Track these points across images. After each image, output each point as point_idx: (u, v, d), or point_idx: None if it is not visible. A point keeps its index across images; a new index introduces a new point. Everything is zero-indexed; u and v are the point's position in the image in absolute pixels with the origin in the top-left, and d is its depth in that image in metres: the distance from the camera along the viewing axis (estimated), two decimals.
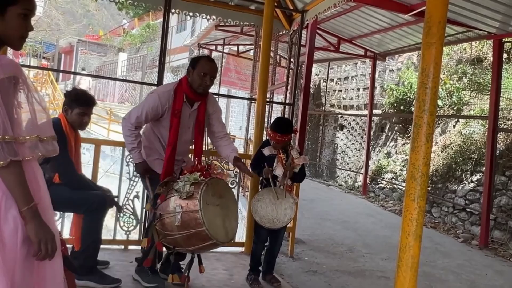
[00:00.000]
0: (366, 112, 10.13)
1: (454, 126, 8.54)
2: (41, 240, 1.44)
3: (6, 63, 1.44)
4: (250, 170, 3.42)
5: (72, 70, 26.90)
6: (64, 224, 3.68)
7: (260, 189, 3.52)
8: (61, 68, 30.71)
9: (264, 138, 4.06)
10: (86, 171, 3.71)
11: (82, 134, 3.21)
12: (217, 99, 3.67)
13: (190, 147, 3.30)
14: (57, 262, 1.56)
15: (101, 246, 3.71)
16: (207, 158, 3.31)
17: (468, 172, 7.32)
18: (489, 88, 6.58)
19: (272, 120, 3.81)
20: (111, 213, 3.38)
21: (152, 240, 2.83)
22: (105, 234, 4.13)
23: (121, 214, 3.77)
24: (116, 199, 3.42)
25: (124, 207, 3.76)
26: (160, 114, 3.00)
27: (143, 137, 3.13)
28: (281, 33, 6.52)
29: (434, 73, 1.88)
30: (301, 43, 5.57)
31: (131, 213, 3.81)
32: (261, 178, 3.55)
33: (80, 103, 3.04)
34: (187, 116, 3.06)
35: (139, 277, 3.09)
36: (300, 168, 3.44)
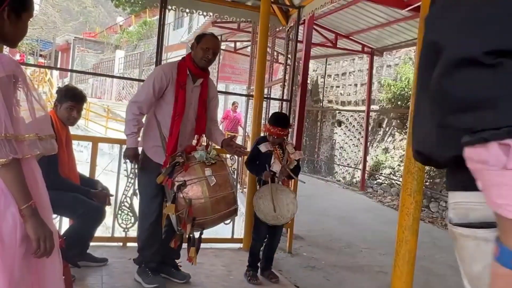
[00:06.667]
0: (364, 107, 10.14)
1: None
2: (39, 237, 1.44)
3: (6, 61, 1.44)
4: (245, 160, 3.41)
5: (69, 68, 26.82)
6: (62, 223, 3.67)
7: (258, 187, 3.53)
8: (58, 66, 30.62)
9: (261, 135, 4.07)
10: (84, 168, 3.71)
11: (80, 132, 3.21)
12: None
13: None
14: (55, 259, 1.57)
15: (100, 244, 3.74)
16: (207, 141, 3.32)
17: None
18: None
19: (269, 116, 3.81)
20: (109, 210, 3.39)
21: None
22: (104, 232, 4.16)
23: (120, 212, 3.77)
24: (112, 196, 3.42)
25: (122, 204, 3.77)
26: (165, 86, 2.98)
27: (145, 121, 3.11)
28: (278, 29, 6.52)
29: None
30: (298, 39, 5.57)
31: (129, 210, 3.80)
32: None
33: (68, 97, 3.08)
34: (190, 90, 3.06)
35: (140, 279, 3.09)
36: (295, 164, 3.47)
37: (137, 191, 3.39)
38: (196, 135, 3.16)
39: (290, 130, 3.50)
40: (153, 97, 2.98)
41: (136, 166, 3.12)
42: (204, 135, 3.25)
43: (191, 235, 2.90)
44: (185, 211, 2.76)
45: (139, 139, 3.07)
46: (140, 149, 3.12)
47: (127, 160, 3.14)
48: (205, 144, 3.13)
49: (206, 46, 3.03)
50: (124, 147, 3.25)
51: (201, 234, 3.01)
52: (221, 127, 13.34)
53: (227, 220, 3.08)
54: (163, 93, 3.00)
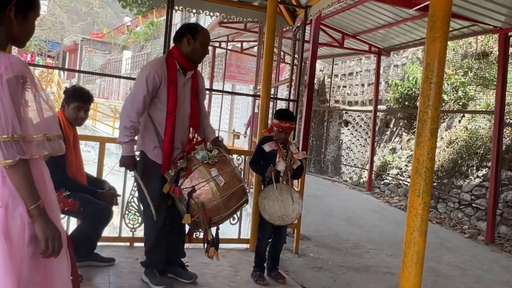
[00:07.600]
0: (371, 107, 10.10)
1: (459, 121, 8.49)
2: (48, 238, 1.45)
3: (15, 61, 1.45)
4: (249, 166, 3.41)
5: (77, 68, 27.01)
6: (70, 223, 3.69)
7: (263, 187, 3.52)
8: (66, 67, 30.82)
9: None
10: (92, 169, 3.72)
11: (87, 132, 3.22)
12: (221, 95, 3.65)
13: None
14: (63, 259, 1.57)
15: (107, 244, 3.75)
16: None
17: (474, 167, 7.29)
18: (495, 83, 6.53)
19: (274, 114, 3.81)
20: (116, 210, 3.39)
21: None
22: (111, 231, 4.16)
23: (127, 212, 3.78)
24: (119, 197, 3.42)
25: (130, 204, 3.78)
26: (158, 84, 2.90)
27: (141, 125, 3.03)
28: (284, 29, 6.51)
29: (438, 67, 1.87)
30: (305, 39, 5.56)
31: (136, 210, 3.81)
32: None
33: (76, 98, 3.10)
34: (182, 84, 3.00)
35: (148, 279, 3.08)
36: (298, 164, 3.46)
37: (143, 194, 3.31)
38: (192, 129, 3.12)
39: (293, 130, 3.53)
40: (149, 98, 2.91)
41: (137, 172, 3.03)
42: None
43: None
44: (201, 215, 2.77)
45: (140, 141, 3.03)
46: (137, 153, 3.07)
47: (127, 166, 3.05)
48: (201, 139, 3.11)
49: (205, 42, 3.00)
50: None
51: (217, 230, 3.01)
52: (231, 131, 13.31)
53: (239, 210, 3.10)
54: (156, 92, 2.93)
